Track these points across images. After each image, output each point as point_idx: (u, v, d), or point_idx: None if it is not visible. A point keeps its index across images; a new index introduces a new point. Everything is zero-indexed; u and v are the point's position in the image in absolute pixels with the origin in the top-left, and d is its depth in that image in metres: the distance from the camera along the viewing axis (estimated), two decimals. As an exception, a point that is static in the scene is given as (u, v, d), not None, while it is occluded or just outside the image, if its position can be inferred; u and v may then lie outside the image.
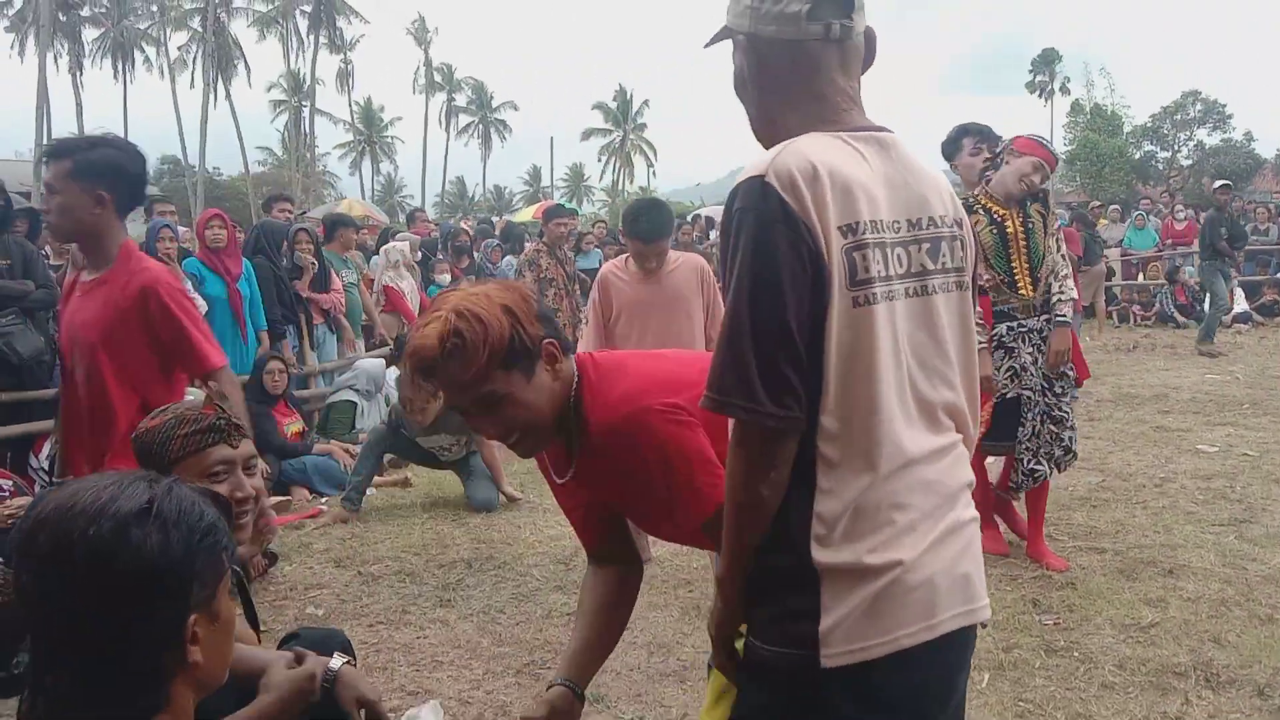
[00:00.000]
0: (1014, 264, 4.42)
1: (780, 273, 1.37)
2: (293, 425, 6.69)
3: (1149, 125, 36.35)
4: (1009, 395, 4.43)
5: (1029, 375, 4.40)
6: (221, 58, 51.41)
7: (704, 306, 4.45)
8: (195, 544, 1.22)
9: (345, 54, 58.19)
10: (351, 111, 62.17)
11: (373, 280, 9.06)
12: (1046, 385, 4.43)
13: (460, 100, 68.92)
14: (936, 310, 1.54)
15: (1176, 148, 36.15)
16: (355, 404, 7.43)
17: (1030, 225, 4.44)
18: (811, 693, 1.46)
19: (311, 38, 55.63)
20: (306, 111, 55.93)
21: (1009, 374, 4.41)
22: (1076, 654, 3.55)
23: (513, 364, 1.76)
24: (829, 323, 1.40)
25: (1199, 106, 35.94)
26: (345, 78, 59.48)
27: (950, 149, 4.94)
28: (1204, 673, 3.35)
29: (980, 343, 4.03)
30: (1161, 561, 4.44)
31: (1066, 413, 4.49)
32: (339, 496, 5.93)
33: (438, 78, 65.79)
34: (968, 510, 1.59)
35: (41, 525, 1.20)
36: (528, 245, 9.28)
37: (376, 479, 6.20)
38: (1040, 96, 51.12)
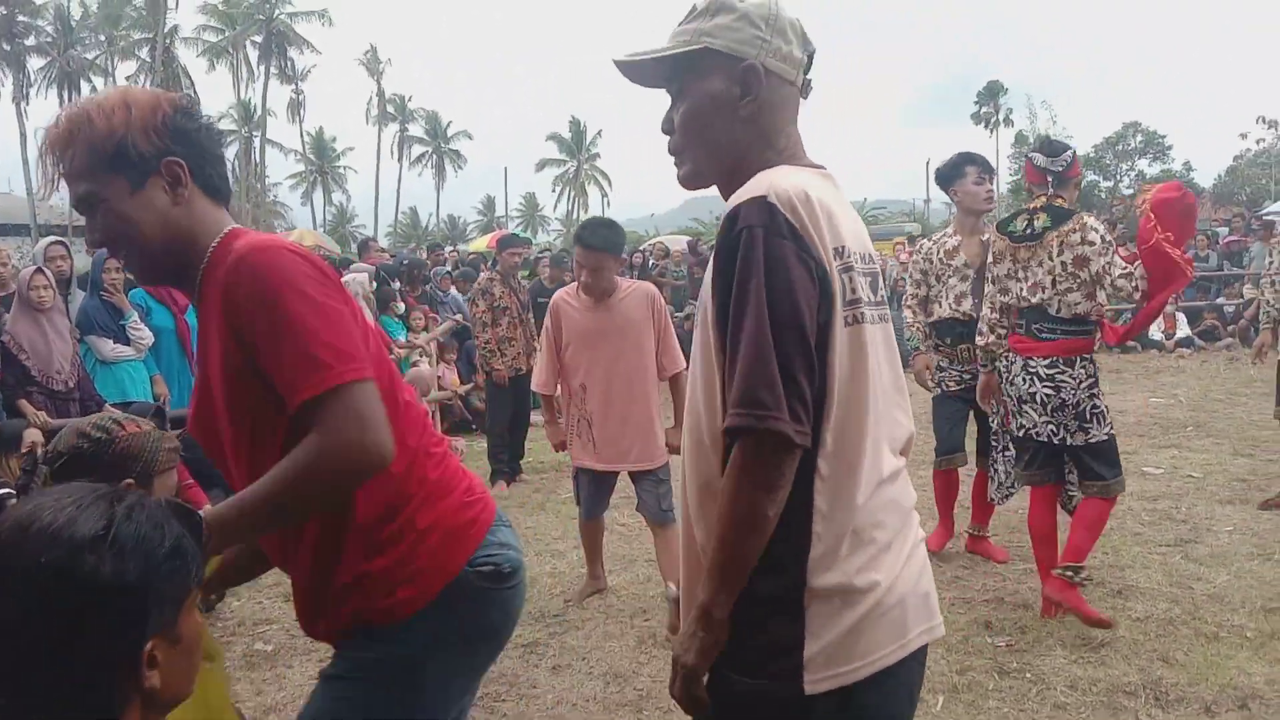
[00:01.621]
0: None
1: (794, 282, 1.40)
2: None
3: (1091, 155, 37.24)
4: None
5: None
6: (170, 87, 50.82)
7: (654, 335, 4.44)
8: (154, 568, 1.19)
9: (297, 84, 57.99)
10: (303, 142, 61.87)
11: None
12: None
13: (414, 130, 68.90)
14: (891, 338, 1.60)
15: (1118, 177, 37.09)
16: None
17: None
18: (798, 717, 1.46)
19: (262, 68, 55.38)
20: (257, 142, 55.55)
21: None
22: (1029, 675, 3.58)
23: (117, 169, 1.62)
24: (833, 338, 1.44)
25: (1139, 137, 36.97)
26: (296, 108, 59.19)
27: (951, 175, 4.89)
28: (1153, 691, 3.40)
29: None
30: (1110, 582, 4.50)
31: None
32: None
33: (390, 108, 65.67)
34: (918, 530, 1.63)
35: None
36: (481, 274, 9.26)
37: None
38: (986, 128, 52.20)
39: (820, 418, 1.43)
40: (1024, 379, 4.11)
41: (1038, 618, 4.08)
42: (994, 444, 4.83)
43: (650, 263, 13.35)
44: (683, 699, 1.50)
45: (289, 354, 1.52)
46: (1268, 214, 16.71)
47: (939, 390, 5.10)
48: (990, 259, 4.35)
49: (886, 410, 1.55)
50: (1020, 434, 4.23)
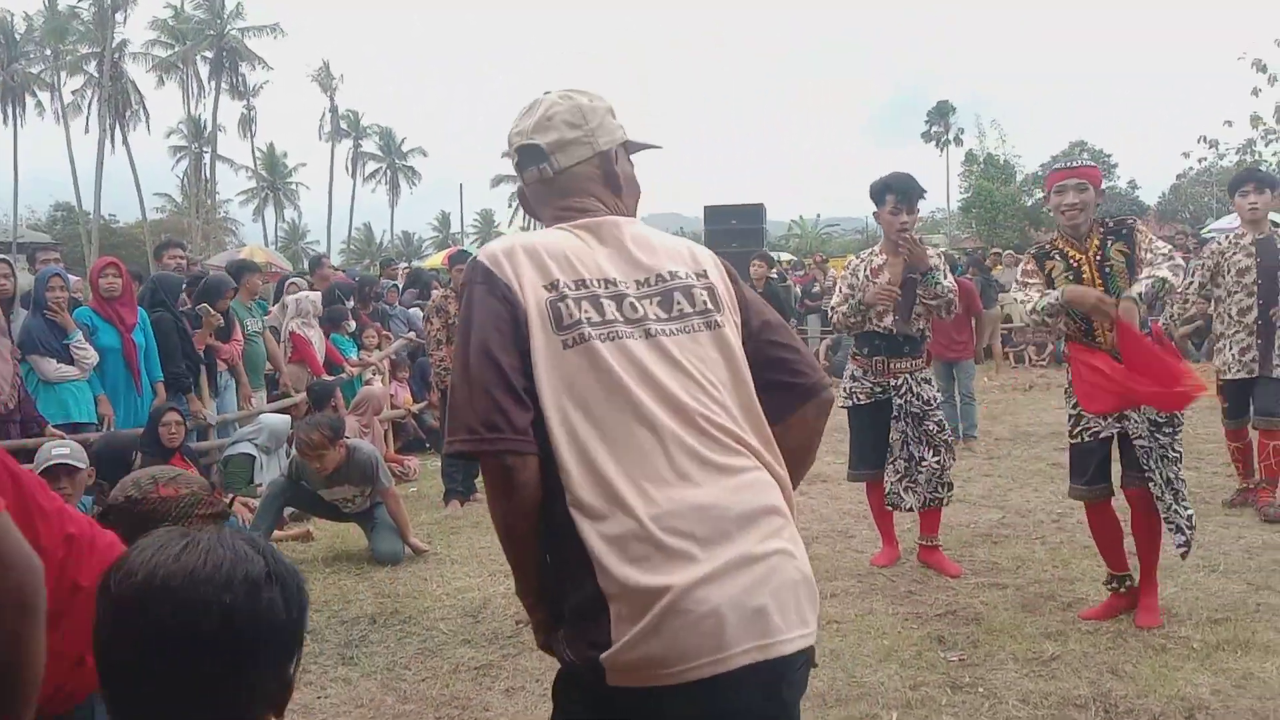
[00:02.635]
0: (1094, 322, 4.13)
1: (484, 316, 1.62)
2: (189, 479, 6.46)
3: (1039, 173, 37.89)
4: (1102, 435, 4.22)
5: (1130, 419, 4.15)
6: (119, 103, 50.17)
7: None
8: (304, 600, 1.25)
9: (248, 100, 57.39)
10: (254, 157, 61.15)
11: (276, 329, 8.85)
12: (1154, 428, 4.13)
13: (368, 146, 68.44)
14: (677, 348, 1.67)
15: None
16: (253, 458, 7.17)
17: (1109, 269, 4.12)
18: (607, 712, 1.54)
19: (213, 83, 54.74)
20: (208, 157, 54.85)
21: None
22: (981, 689, 3.60)
23: None
24: (534, 361, 1.59)
25: (1085, 155, 37.66)
26: (248, 124, 58.55)
27: (875, 199, 5.00)
28: (1103, 704, 3.43)
29: None
30: (1061, 595, 4.55)
31: (1179, 452, 4.20)
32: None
33: (344, 124, 65.20)
34: (767, 542, 1.57)
35: (154, 596, 1.14)
36: (435, 292, 9.19)
37: (276, 533, 6.01)
38: (936, 146, 52.98)
39: (545, 430, 1.57)
40: None
41: (990, 632, 4.12)
42: (888, 455, 5.03)
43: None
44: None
45: None
46: (1208, 232, 17.09)
47: (850, 402, 5.17)
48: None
49: (676, 414, 1.60)
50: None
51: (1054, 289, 4.17)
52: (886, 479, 5.04)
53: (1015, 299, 4.41)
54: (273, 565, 1.21)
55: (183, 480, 2.21)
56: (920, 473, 4.99)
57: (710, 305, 1.74)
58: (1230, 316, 6.03)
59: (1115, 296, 4.04)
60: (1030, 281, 4.31)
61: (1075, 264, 4.18)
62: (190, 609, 1.13)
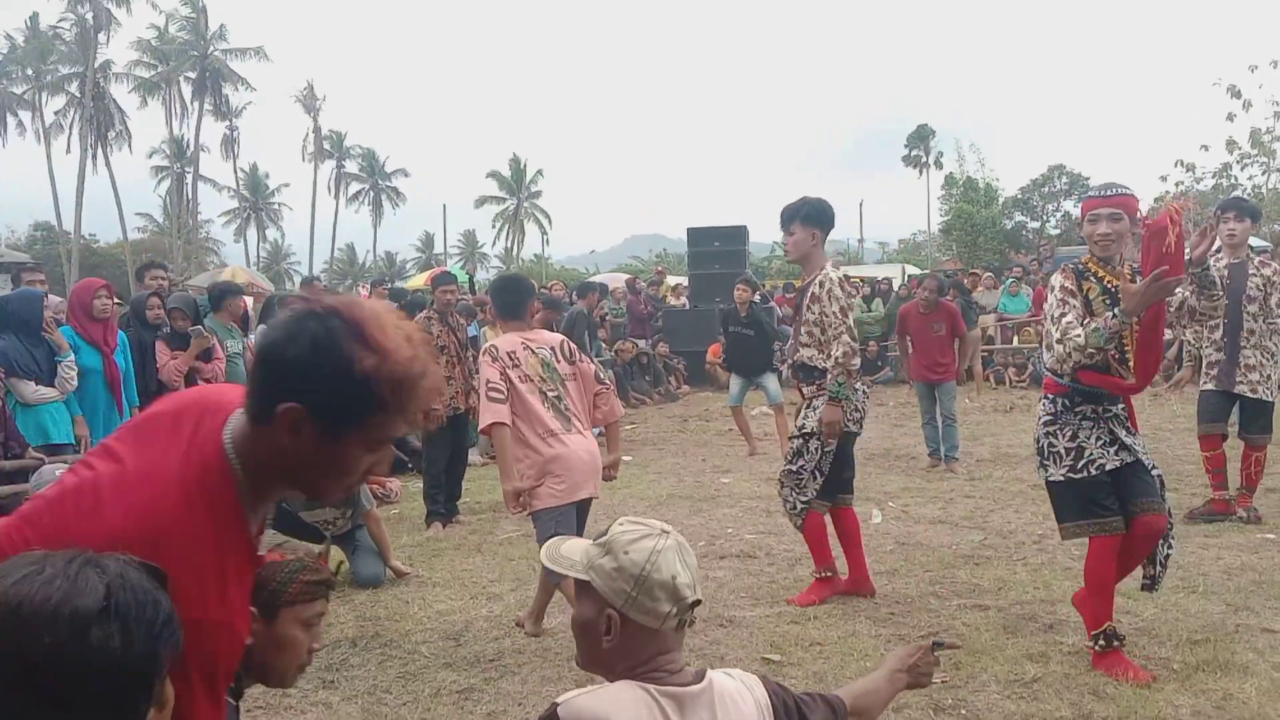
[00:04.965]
0: (1126, 341, 3.91)
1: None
2: (169, 502, 6.40)
3: (1019, 197, 38.22)
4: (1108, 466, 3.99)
5: (1136, 449, 4.02)
6: (101, 123, 49.97)
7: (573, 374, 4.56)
8: (156, 638, 1.14)
9: (231, 121, 57.21)
10: (237, 178, 60.96)
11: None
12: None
13: (351, 167, 68.31)
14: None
15: (1045, 218, 38.06)
16: None
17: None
18: None
19: (196, 104, 54.59)
20: (190, 178, 54.65)
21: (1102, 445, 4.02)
22: (964, 711, 3.60)
23: None
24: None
25: (1064, 179, 38.02)
26: (231, 144, 58.35)
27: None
28: (1084, 725, 3.44)
29: None
30: (1042, 616, 4.56)
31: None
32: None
33: (327, 145, 65.10)
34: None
35: None
36: (419, 313, 9.18)
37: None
38: (916, 170, 53.34)
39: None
40: None
41: (972, 653, 4.12)
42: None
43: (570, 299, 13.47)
44: None
45: None
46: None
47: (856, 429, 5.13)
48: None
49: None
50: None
51: (1093, 315, 3.97)
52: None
53: (1050, 330, 4.05)
54: (117, 598, 1.12)
55: (288, 547, 2.20)
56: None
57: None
58: (1204, 335, 6.53)
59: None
60: (1070, 302, 4.04)
61: (1111, 287, 3.99)
62: (12, 643, 1.07)
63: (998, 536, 6.12)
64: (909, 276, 21.60)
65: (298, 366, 1.45)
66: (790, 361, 5.08)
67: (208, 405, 1.61)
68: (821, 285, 4.82)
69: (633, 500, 7.59)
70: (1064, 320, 3.99)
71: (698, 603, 1.79)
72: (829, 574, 5.03)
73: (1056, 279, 4.16)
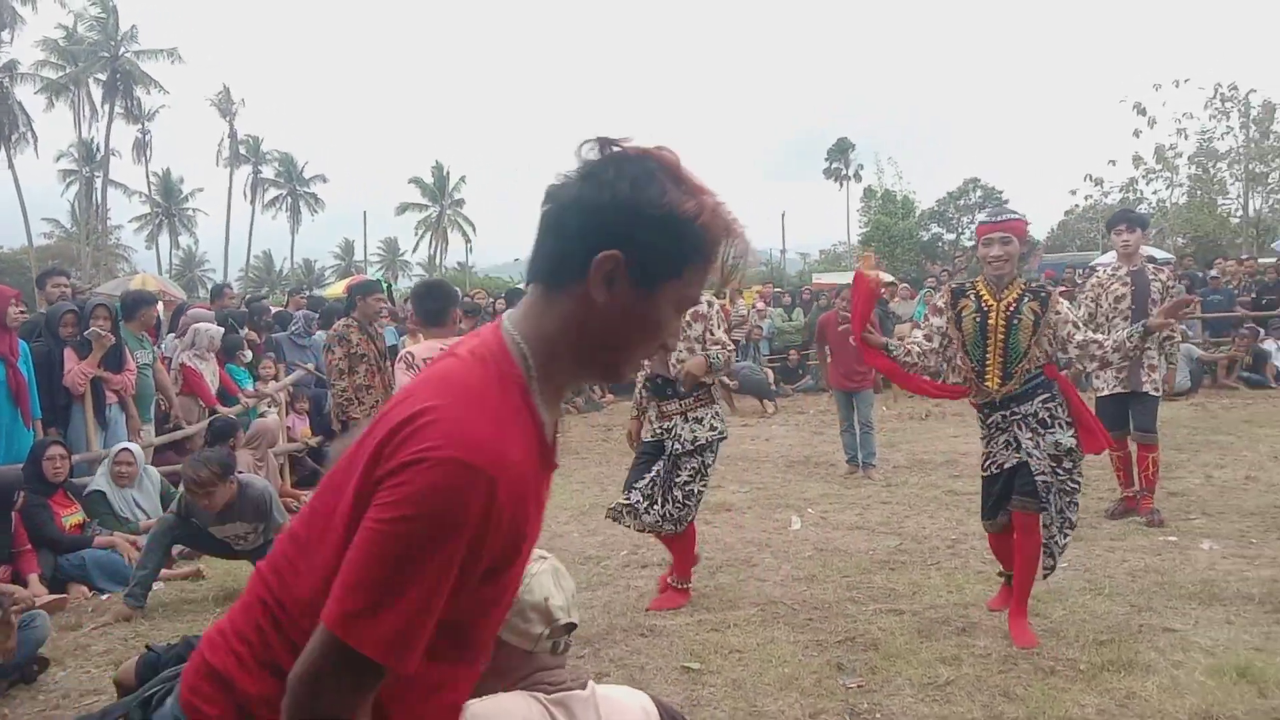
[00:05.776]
0: (988, 355, 4.38)
1: None
2: (72, 517, 6.19)
3: (935, 209, 39.17)
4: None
5: (1034, 456, 4.30)
6: (4, 125, 48.17)
7: None
8: None
9: (143, 124, 55.61)
10: (149, 183, 59.25)
11: (168, 360, 8.57)
12: (1055, 461, 4.28)
13: (268, 172, 66.93)
14: None
15: (960, 230, 39.08)
16: (103, 492, 6.59)
17: (1017, 321, 4.31)
18: None
19: (106, 107, 52.98)
20: (100, 182, 53.01)
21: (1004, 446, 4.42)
22: (879, 716, 3.65)
23: None
24: None
25: (979, 192, 39.12)
26: (143, 148, 56.71)
27: None
28: (995, 726, 3.51)
29: None
30: (955, 620, 4.65)
31: (1078, 483, 4.38)
32: (122, 593, 5.49)
33: (243, 149, 63.74)
34: None
35: None
36: (337, 321, 9.02)
37: (164, 572, 5.79)
38: (836, 182, 54.31)
39: None
40: None
41: (887, 657, 4.18)
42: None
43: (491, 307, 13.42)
44: None
45: (349, 568, 1.25)
46: (1095, 263, 17.84)
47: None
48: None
49: None
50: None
51: (961, 332, 4.45)
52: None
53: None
54: None
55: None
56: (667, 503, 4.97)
57: None
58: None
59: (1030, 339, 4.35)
60: (930, 319, 4.57)
61: (986, 308, 4.39)
62: None
63: (913, 542, 6.23)
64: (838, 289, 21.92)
65: (618, 209, 1.31)
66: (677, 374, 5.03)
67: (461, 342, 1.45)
68: (710, 305, 5.05)
69: (555, 510, 7.54)
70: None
71: (573, 626, 1.81)
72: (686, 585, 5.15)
73: (936, 296, 4.64)
